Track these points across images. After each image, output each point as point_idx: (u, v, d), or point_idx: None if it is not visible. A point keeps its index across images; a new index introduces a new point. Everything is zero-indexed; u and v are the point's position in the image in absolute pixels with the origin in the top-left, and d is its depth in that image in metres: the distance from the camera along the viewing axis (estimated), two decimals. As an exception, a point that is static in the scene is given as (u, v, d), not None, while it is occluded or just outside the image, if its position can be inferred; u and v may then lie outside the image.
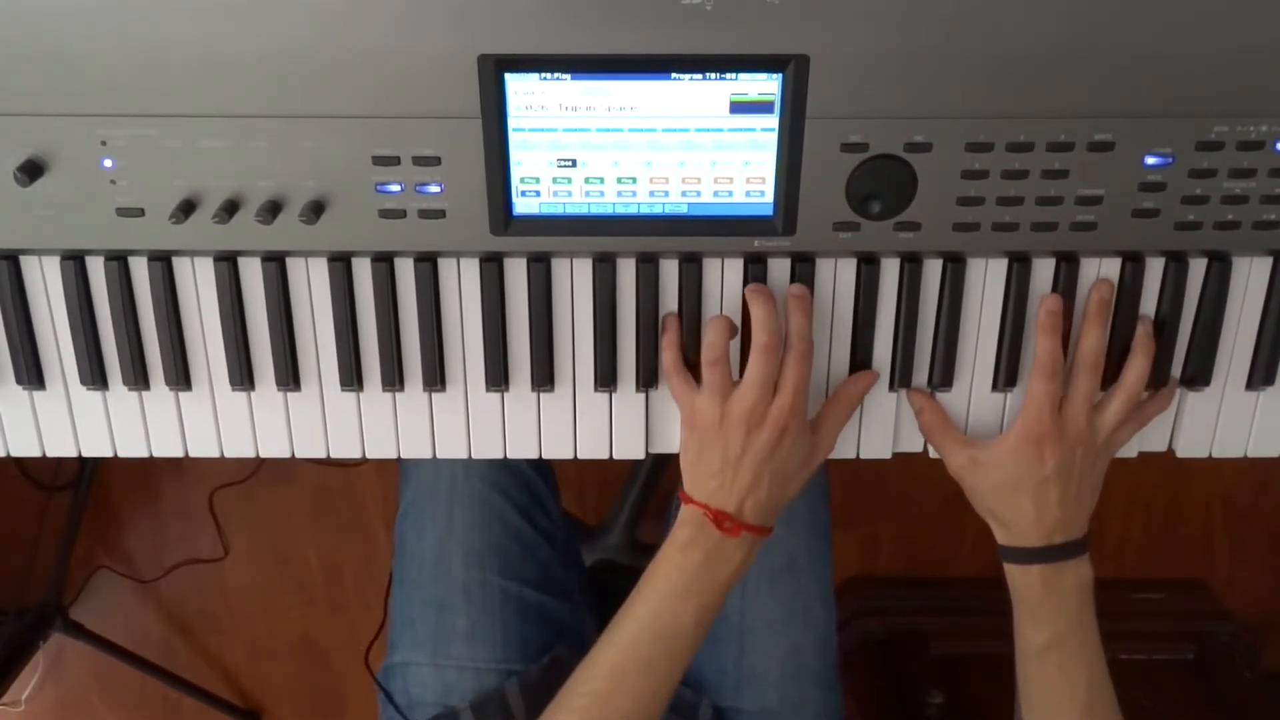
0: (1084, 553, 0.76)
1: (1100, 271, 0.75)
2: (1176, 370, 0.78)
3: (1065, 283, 0.75)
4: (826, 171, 0.70)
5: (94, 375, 0.76)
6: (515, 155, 0.70)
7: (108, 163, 0.69)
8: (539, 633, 0.96)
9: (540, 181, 0.71)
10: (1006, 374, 0.77)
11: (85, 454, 0.78)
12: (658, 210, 0.72)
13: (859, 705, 1.49)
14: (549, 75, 0.68)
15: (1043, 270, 0.75)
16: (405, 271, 0.75)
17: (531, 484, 1.00)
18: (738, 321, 0.75)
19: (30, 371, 0.76)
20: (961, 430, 0.79)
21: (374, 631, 1.39)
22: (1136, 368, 0.74)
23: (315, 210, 0.70)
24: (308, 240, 0.72)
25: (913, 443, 0.80)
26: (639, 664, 0.72)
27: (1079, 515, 0.75)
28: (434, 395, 0.78)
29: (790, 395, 0.71)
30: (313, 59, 0.66)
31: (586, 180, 0.71)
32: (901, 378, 0.77)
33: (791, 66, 0.67)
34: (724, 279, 0.75)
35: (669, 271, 0.75)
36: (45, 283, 0.74)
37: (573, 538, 1.07)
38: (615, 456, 0.79)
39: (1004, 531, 0.77)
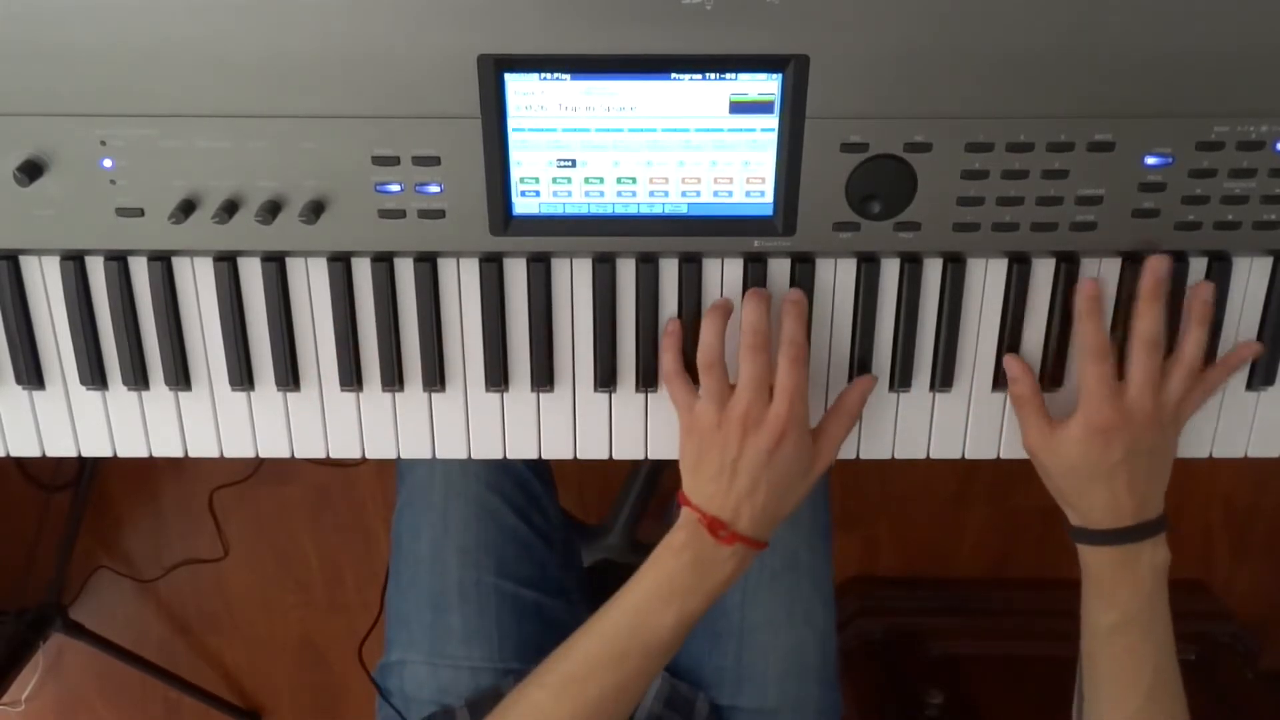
0: (1160, 532, 0.74)
1: (1100, 271, 0.75)
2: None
3: (1065, 283, 0.75)
4: (826, 171, 0.70)
5: (94, 375, 0.76)
6: (515, 155, 0.70)
7: (108, 163, 0.69)
8: (535, 632, 0.96)
9: (540, 181, 0.71)
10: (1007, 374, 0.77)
11: (85, 454, 0.78)
12: (658, 210, 0.72)
13: (859, 705, 1.49)
14: (549, 75, 0.68)
15: (1043, 270, 0.75)
16: (405, 271, 0.75)
17: (528, 484, 1.00)
18: (737, 324, 0.75)
19: (30, 371, 0.76)
20: (960, 430, 0.79)
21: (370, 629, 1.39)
22: (1194, 338, 0.73)
23: (315, 210, 0.70)
24: (308, 240, 0.72)
25: (914, 449, 0.80)
26: (614, 656, 0.72)
27: (1152, 495, 0.74)
28: (434, 395, 0.78)
29: (787, 401, 0.70)
30: (313, 59, 0.66)
31: (586, 180, 0.71)
32: (902, 378, 0.77)
33: (791, 66, 0.67)
34: (724, 279, 0.75)
35: (669, 271, 0.75)
36: (45, 283, 0.74)
37: (571, 537, 1.07)
38: (615, 457, 0.79)
39: (1075, 514, 0.75)
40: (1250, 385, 0.78)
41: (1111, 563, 0.74)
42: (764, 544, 0.73)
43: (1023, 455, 0.79)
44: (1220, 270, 0.75)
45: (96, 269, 0.74)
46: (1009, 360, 0.76)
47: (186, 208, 0.70)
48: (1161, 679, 0.75)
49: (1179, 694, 0.76)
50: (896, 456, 0.80)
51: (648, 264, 0.74)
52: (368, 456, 0.79)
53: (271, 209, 0.70)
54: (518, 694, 0.73)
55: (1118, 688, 0.75)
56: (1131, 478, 0.72)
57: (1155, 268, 0.72)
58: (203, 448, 0.79)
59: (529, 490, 1.00)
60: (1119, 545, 0.73)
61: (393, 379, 0.76)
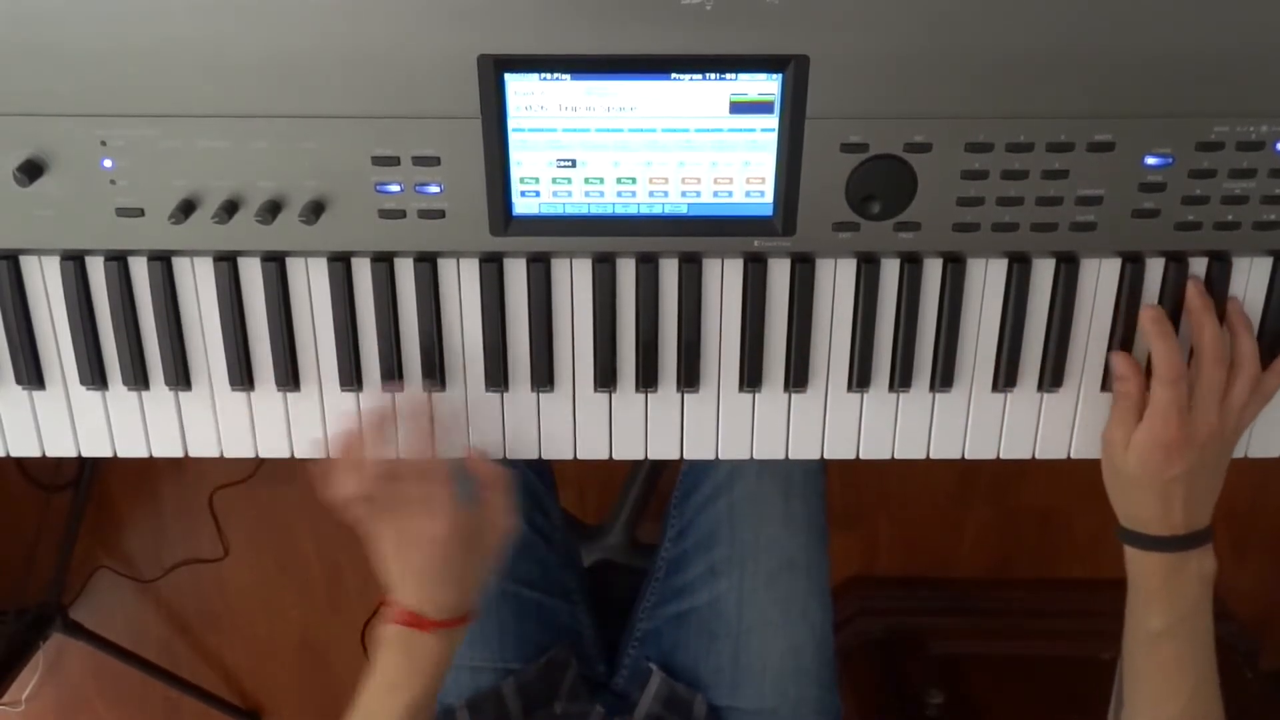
0: (1207, 542, 0.74)
1: (1100, 271, 0.75)
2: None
3: (1065, 283, 0.75)
4: (826, 171, 0.70)
5: (94, 375, 0.76)
6: (515, 155, 0.70)
7: (108, 163, 0.69)
8: (536, 632, 0.96)
9: (540, 182, 0.71)
10: (1006, 374, 0.77)
11: (85, 454, 0.78)
12: (657, 210, 0.72)
13: (858, 705, 1.49)
14: (549, 75, 0.68)
15: (1043, 270, 0.75)
16: (405, 271, 0.75)
17: (529, 484, 1.00)
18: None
19: (30, 371, 0.76)
20: (960, 430, 0.79)
21: (371, 621, 1.39)
22: (1244, 345, 0.73)
23: (315, 210, 0.70)
24: (308, 240, 0.72)
25: (914, 449, 0.80)
26: None
27: (1205, 507, 0.74)
28: (433, 396, 0.78)
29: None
30: (313, 59, 0.66)
31: (586, 180, 0.71)
32: (902, 378, 0.77)
33: (791, 66, 0.67)
34: (724, 279, 0.75)
35: (669, 272, 0.75)
36: (45, 283, 0.74)
37: (571, 538, 1.07)
38: (615, 457, 0.79)
39: (1126, 518, 0.76)
40: (1250, 385, 0.78)
41: (1159, 569, 0.74)
42: (464, 619, 0.75)
43: (1023, 455, 0.79)
44: (1220, 270, 0.75)
45: (96, 269, 0.74)
46: (1118, 358, 0.75)
47: (186, 208, 0.70)
48: (1202, 685, 0.75)
49: (1217, 700, 0.76)
50: (896, 456, 0.80)
51: (648, 264, 0.74)
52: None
53: (271, 209, 0.70)
54: None
55: (1159, 693, 0.75)
56: (1189, 492, 0.72)
57: (1198, 284, 0.73)
58: (203, 448, 0.78)
59: (530, 490, 1.00)
60: (1168, 553, 0.73)
61: (393, 379, 0.76)
